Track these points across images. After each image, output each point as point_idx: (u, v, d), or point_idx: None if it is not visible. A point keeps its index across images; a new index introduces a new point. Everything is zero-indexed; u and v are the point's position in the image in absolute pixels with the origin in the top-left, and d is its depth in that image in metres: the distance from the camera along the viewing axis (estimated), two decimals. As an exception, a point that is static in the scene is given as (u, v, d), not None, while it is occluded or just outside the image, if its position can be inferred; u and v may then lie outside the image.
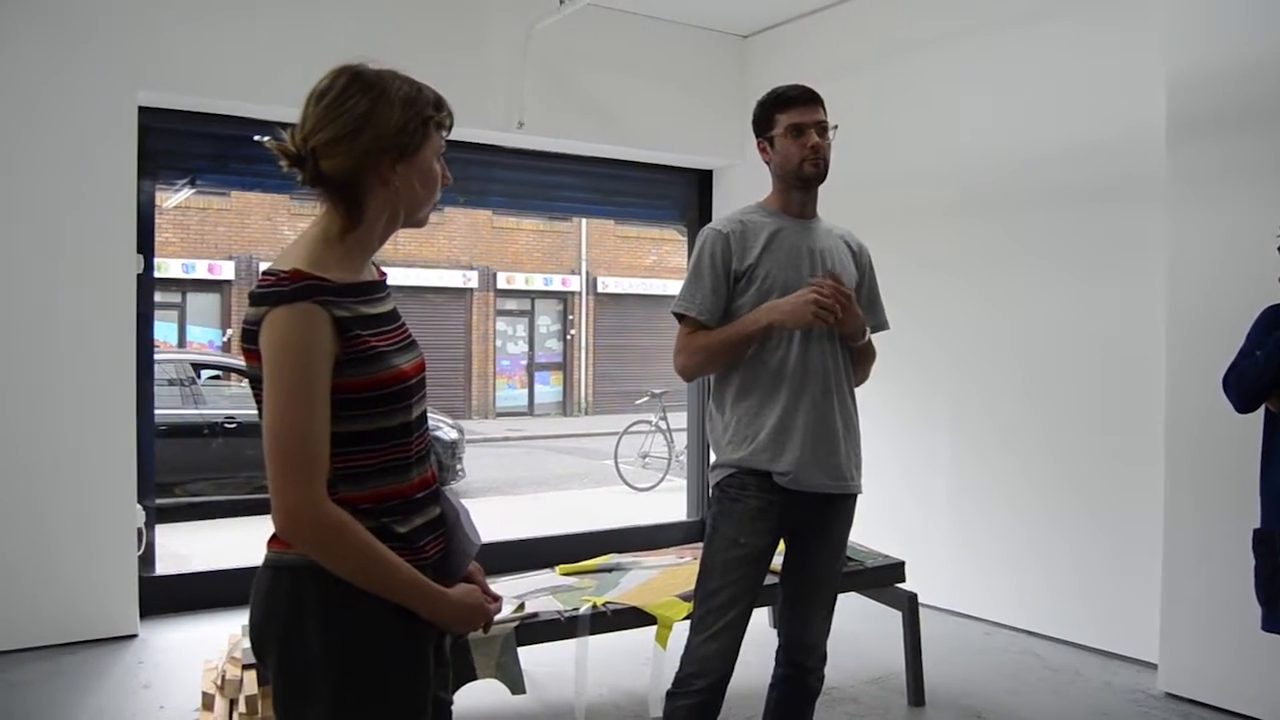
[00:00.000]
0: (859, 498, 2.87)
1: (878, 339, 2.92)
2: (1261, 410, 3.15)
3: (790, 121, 2.77)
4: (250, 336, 1.60)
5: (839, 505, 2.80)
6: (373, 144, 1.65)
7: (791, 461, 2.67)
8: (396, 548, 1.64)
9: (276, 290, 1.57)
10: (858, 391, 2.90)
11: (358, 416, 1.62)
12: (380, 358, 1.65)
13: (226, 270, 17.92)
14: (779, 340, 2.72)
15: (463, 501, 1.86)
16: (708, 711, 2.70)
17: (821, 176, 2.80)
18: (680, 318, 2.79)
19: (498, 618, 1.84)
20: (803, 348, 2.72)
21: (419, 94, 1.71)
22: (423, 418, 1.77)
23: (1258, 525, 3.14)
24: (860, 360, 2.88)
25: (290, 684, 1.64)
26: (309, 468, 1.55)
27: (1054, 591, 4.90)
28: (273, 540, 1.66)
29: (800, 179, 2.79)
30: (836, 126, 2.83)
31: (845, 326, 2.71)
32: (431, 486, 1.78)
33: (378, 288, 1.75)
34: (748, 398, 2.74)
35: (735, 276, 2.75)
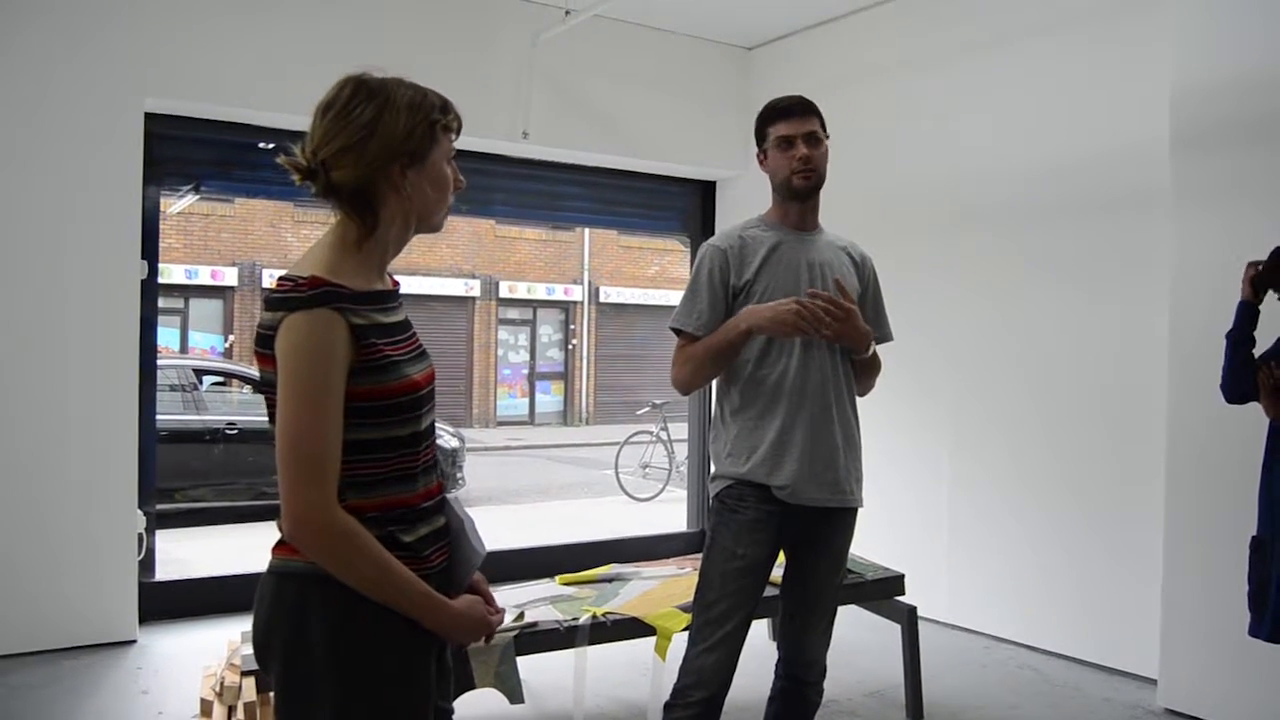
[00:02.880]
0: (859, 510, 2.87)
1: (881, 350, 2.93)
2: (1265, 422, 3.17)
3: (779, 134, 2.79)
4: (265, 341, 1.61)
5: (838, 518, 2.80)
6: (381, 151, 1.66)
7: (789, 475, 2.68)
8: (402, 557, 1.64)
9: (294, 295, 1.58)
10: (860, 403, 2.90)
11: (369, 424, 1.63)
12: (394, 367, 1.65)
13: (229, 276, 17.95)
14: (778, 354, 2.73)
15: (468, 511, 1.86)
16: (706, 723, 2.70)
17: (813, 188, 2.81)
18: (678, 333, 2.80)
19: (497, 627, 1.84)
20: (802, 362, 2.72)
21: (424, 99, 1.72)
22: (431, 427, 1.77)
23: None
24: (865, 372, 2.88)
25: (293, 690, 1.64)
26: (320, 473, 1.56)
27: (1054, 606, 4.89)
28: (278, 546, 1.67)
29: (790, 191, 2.81)
30: (829, 137, 2.84)
31: (846, 340, 2.72)
32: (437, 496, 1.79)
33: (392, 296, 1.76)
34: (747, 411, 2.75)
35: (734, 292, 2.77)
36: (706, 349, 2.73)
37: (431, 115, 1.72)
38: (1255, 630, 3.12)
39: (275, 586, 1.65)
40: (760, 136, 2.86)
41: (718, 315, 2.76)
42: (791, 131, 2.78)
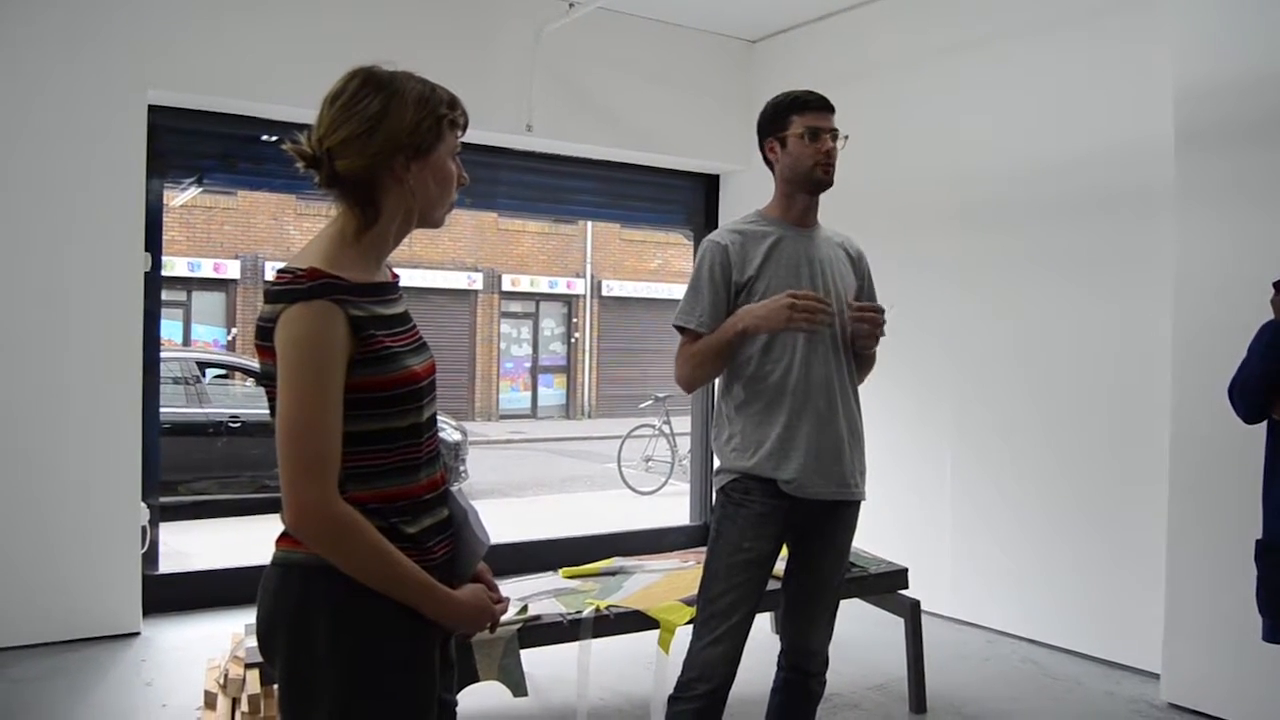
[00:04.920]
0: (862, 504, 2.87)
1: (884, 346, 2.92)
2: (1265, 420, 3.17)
3: (808, 124, 2.77)
4: (265, 334, 1.61)
5: (843, 512, 2.81)
6: (386, 143, 1.66)
7: (796, 469, 2.68)
8: (405, 548, 1.64)
9: (293, 288, 1.58)
10: (863, 396, 2.90)
11: (369, 416, 1.63)
12: (394, 358, 1.66)
13: (232, 269, 17.96)
14: (780, 351, 2.72)
15: (472, 502, 1.86)
16: (710, 716, 2.70)
17: (829, 183, 2.81)
18: (681, 330, 2.80)
19: (500, 620, 1.84)
20: (805, 358, 2.72)
21: (432, 93, 1.72)
22: (433, 419, 1.77)
23: (1260, 536, 3.14)
24: (861, 367, 2.89)
25: (296, 682, 1.64)
26: (321, 465, 1.56)
27: (1057, 600, 4.90)
28: (282, 539, 1.67)
29: (810, 183, 2.79)
30: (848, 137, 2.83)
31: (868, 337, 2.74)
32: (440, 488, 1.79)
33: (392, 289, 1.76)
34: (751, 407, 2.74)
35: (736, 289, 2.76)
36: (706, 348, 2.73)
37: (439, 110, 1.72)
38: (1273, 636, 3.08)
39: (279, 578, 1.66)
40: (778, 125, 2.81)
41: (720, 312, 2.75)
42: (821, 124, 2.77)
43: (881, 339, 2.83)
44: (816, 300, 2.61)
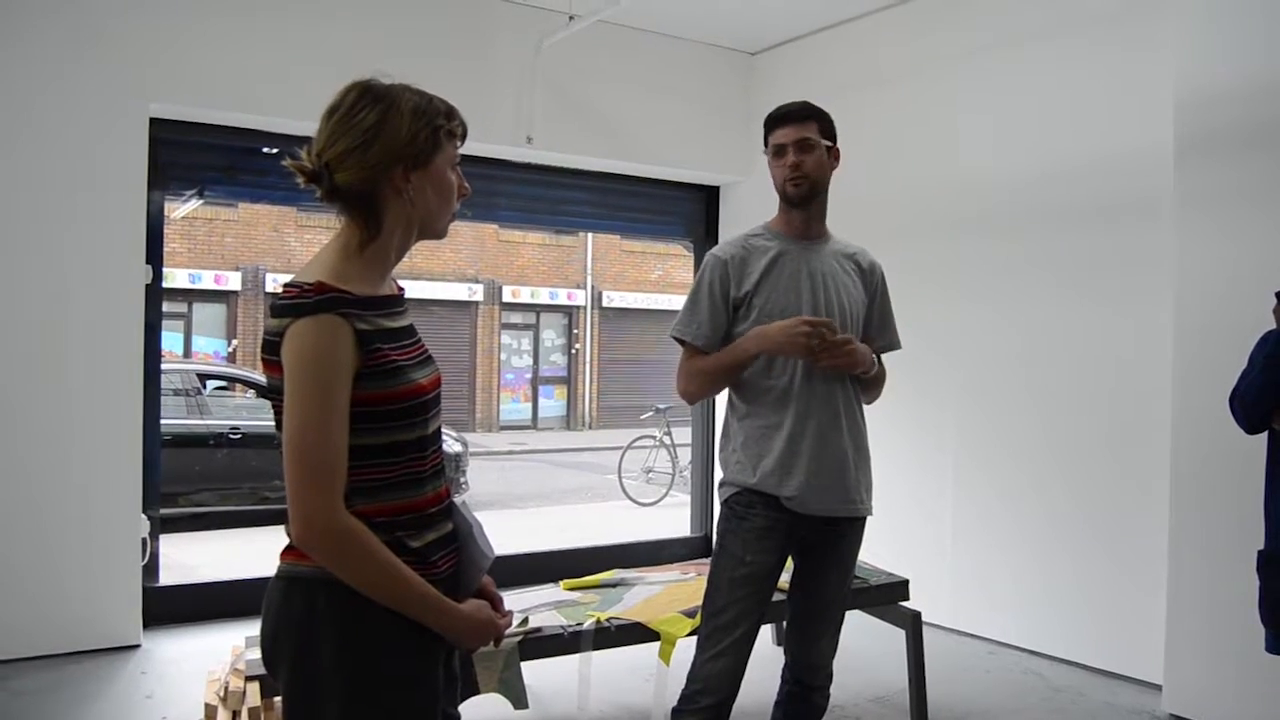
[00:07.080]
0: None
1: (887, 356, 2.92)
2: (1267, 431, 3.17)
3: (775, 141, 2.79)
4: (272, 347, 1.61)
5: (848, 527, 2.80)
6: (383, 155, 1.66)
7: (798, 485, 2.67)
8: (409, 562, 1.65)
9: (300, 302, 1.59)
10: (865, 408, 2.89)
11: (375, 430, 1.63)
12: (399, 372, 1.66)
13: (233, 281, 17.98)
14: (784, 362, 2.72)
15: (476, 515, 1.86)
16: (714, 729, 2.70)
17: (805, 195, 2.77)
18: (680, 342, 2.80)
19: (505, 630, 1.84)
20: (808, 369, 2.70)
21: (429, 104, 1.73)
22: (438, 433, 1.78)
23: (1262, 546, 3.14)
24: (870, 386, 2.87)
25: (301, 695, 1.64)
26: (327, 477, 1.56)
27: (1058, 611, 4.89)
28: (286, 552, 1.67)
29: (784, 198, 2.80)
30: (830, 145, 2.81)
31: (844, 368, 2.70)
32: (445, 502, 1.79)
33: (397, 302, 1.77)
34: (755, 420, 2.74)
35: (734, 304, 2.75)
36: (717, 366, 2.73)
37: (435, 120, 1.72)
38: (1277, 647, 3.08)
39: (283, 591, 1.66)
40: (765, 143, 2.85)
41: (718, 326, 2.75)
42: (784, 139, 2.76)
43: (879, 354, 2.81)
44: (828, 327, 2.60)
